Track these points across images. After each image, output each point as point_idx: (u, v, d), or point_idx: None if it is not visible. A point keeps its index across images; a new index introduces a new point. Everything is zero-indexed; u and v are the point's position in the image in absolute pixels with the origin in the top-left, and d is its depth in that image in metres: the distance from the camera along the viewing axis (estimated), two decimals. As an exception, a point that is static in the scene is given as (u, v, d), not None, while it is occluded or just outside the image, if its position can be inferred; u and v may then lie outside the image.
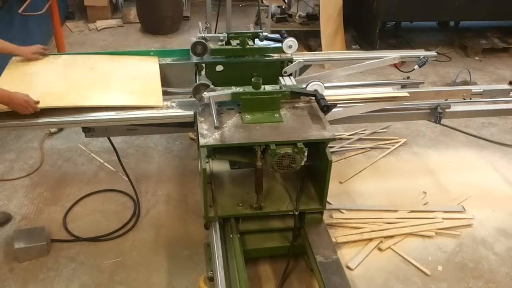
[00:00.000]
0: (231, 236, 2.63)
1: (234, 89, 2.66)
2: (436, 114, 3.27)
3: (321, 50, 5.58)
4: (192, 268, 2.88)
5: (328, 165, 2.49)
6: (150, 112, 2.73)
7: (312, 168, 2.77)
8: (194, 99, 2.75)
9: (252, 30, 3.22)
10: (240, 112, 2.64)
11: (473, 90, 3.28)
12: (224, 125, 2.53)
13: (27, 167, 3.76)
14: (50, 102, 2.66)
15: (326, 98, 2.70)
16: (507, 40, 6.18)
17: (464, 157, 4.03)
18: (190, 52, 3.06)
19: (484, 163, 3.96)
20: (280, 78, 3.03)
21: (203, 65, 3.05)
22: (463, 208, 3.41)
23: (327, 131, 2.51)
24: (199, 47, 3.02)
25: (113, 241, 3.08)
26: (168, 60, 3.21)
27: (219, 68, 3.06)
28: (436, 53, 3.60)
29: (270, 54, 3.13)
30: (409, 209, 3.37)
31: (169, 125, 2.91)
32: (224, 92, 2.63)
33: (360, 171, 3.77)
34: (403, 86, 3.47)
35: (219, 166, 2.96)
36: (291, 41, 3.06)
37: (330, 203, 3.35)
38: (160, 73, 3.05)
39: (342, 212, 3.34)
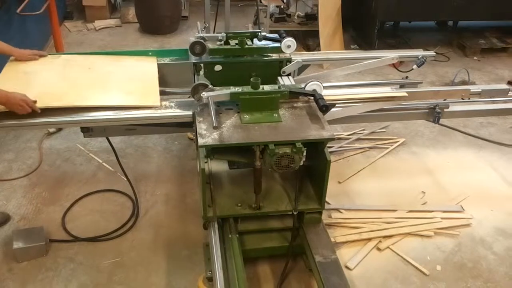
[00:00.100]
0: (230, 236, 2.63)
1: (233, 89, 2.66)
2: (434, 114, 3.27)
3: (319, 50, 5.58)
4: (191, 268, 2.88)
5: (327, 165, 2.49)
6: (149, 112, 2.73)
7: (311, 168, 2.77)
8: (193, 99, 2.74)
9: (250, 30, 3.22)
10: (238, 112, 2.64)
11: (471, 90, 3.28)
12: (223, 125, 2.53)
13: (26, 167, 3.75)
14: (48, 102, 2.65)
15: (325, 98, 2.69)
16: (505, 40, 6.19)
17: (462, 157, 4.04)
18: (189, 52, 3.06)
19: (482, 162, 3.97)
20: (279, 78, 3.03)
21: (202, 65, 3.05)
22: (462, 207, 3.41)
23: (326, 131, 2.51)
24: (197, 47, 3.02)
25: (112, 241, 3.08)
26: (166, 60, 3.21)
27: (218, 68, 3.06)
28: (434, 53, 3.59)
29: (269, 54, 3.13)
30: (408, 209, 3.37)
31: (168, 125, 2.91)
32: (223, 92, 2.63)
33: (359, 171, 3.78)
34: (402, 86, 3.46)
35: (218, 166, 2.96)
36: (289, 41, 3.06)
37: (329, 203, 3.35)
38: (159, 73, 3.05)
39: (341, 212, 3.34)
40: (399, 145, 4.13)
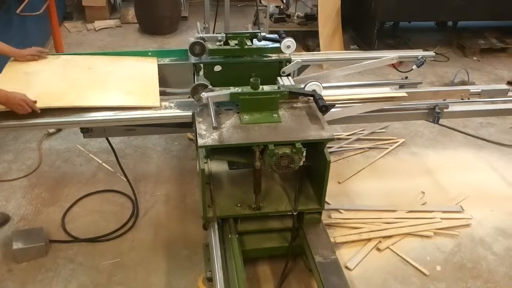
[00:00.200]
0: (229, 236, 2.63)
1: (233, 89, 2.66)
2: (434, 114, 3.27)
3: (319, 50, 5.58)
4: (190, 269, 2.88)
5: (327, 165, 2.49)
6: (149, 113, 2.73)
7: (310, 168, 2.77)
8: (193, 99, 2.75)
9: (250, 30, 3.22)
10: (238, 113, 2.64)
11: (471, 90, 3.28)
12: (223, 126, 2.53)
13: (25, 167, 3.75)
14: (48, 102, 2.65)
15: (325, 98, 2.69)
16: (505, 40, 6.19)
17: (462, 157, 4.04)
18: (188, 52, 3.06)
19: (482, 163, 3.97)
20: (279, 78, 3.03)
21: (201, 65, 3.05)
22: (462, 208, 3.41)
23: (326, 131, 2.51)
24: (197, 48, 3.02)
25: (112, 242, 3.08)
26: (166, 61, 3.21)
27: (218, 68, 3.06)
28: (434, 53, 3.59)
29: (269, 54, 3.13)
30: (408, 209, 3.37)
31: (168, 126, 2.91)
32: (223, 93, 2.63)
33: (358, 171, 3.78)
34: (401, 86, 3.47)
35: (218, 166, 2.96)
36: (289, 41, 3.06)
37: (328, 203, 3.35)
38: (158, 74, 3.05)
39: (341, 212, 3.34)
40: (398, 145, 4.13)
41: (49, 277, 2.82)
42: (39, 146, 4.01)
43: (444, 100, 3.37)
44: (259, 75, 2.77)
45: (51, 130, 4.12)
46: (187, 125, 2.82)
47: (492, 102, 3.49)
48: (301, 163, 2.49)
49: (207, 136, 2.43)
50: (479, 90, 3.28)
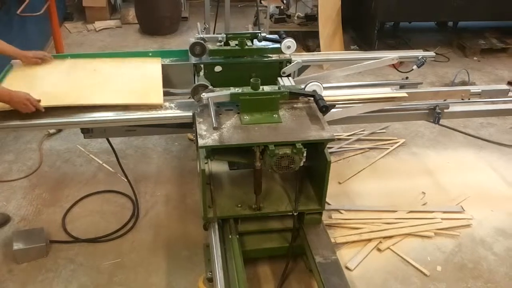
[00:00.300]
0: (230, 236, 2.63)
1: (233, 89, 2.66)
2: (434, 115, 3.27)
3: (319, 51, 5.58)
4: (191, 269, 2.88)
5: (327, 166, 2.49)
6: (149, 113, 2.73)
7: (311, 169, 2.77)
8: (193, 100, 2.75)
9: (250, 31, 3.22)
10: (238, 113, 2.64)
11: (471, 90, 3.28)
12: (223, 126, 2.53)
13: (26, 168, 3.75)
14: (52, 101, 2.66)
15: (325, 98, 2.70)
16: (505, 41, 6.19)
17: (462, 157, 4.04)
18: (189, 52, 3.06)
19: (483, 163, 3.96)
20: (279, 78, 3.03)
21: (202, 65, 3.05)
22: (462, 208, 3.41)
23: (326, 132, 2.51)
24: (197, 48, 3.02)
25: (112, 242, 3.08)
26: (166, 61, 3.21)
27: (218, 68, 3.06)
28: (434, 54, 3.60)
29: (269, 55, 3.13)
30: (408, 210, 3.37)
31: (168, 126, 2.91)
32: (223, 93, 2.63)
33: (359, 172, 3.78)
34: (402, 87, 3.47)
35: (218, 167, 2.96)
36: (289, 42, 3.06)
37: (329, 204, 3.35)
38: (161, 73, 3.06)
39: (341, 213, 3.34)
40: (399, 145, 4.13)
41: (50, 278, 2.82)
42: (39, 146, 4.01)
43: (445, 100, 3.37)
44: (259, 76, 2.78)
45: (52, 131, 4.12)
46: (188, 126, 2.82)
47: (493, 103, 3.50)
48: (302, 164, 2.49)
49: (207, 137, 2.43)
50: (480, 91, 3.28)
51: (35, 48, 4.53)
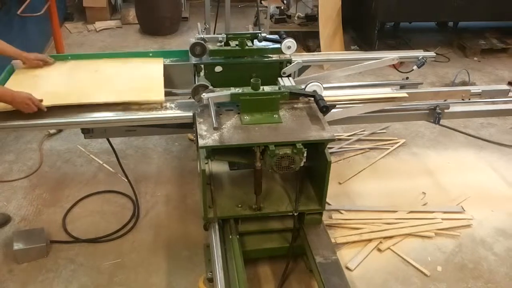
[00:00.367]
0: (230, 237, 2.63)
1: (233, 90, 2.66)
2: (435, 115, 3.27)
3: (320, 51, 5.58)
4: (191, 269, 2.88)
5: (327, 166, 2.49)
6: (149, 113, 2.73)
7: (311, 169, 2.77)
8: (193, 100, 2.75)
9: (251, 31, 3.22)
10: (239, 113, 2.64)
11: (472, 91, 3.28)
12: (223, 126, 2.53)
13: (26, 168, 3.76)
14: (53, 100, 2.67)
15: (325, 98, 2.70)
16: (505, 41, 6.19)
17: (463, 157, 4.04)
18: (189, 53, 3.06)
19: (483, 163, 3.96)
20: (279, 79, 3.03)
21: (202, 66, 3.05)
22: (462, 208, 3.41)
23: (326, 132, 2.51)
24: (198, 48, 3.02)
25: (113, 242, 3.08)
26: (167, 61, 3.21)
27: (218, 69, 3.06)
28: (434, 54, 3.60)
29: (269, 55, 3.13)
30: (409, 210, 3.37)
31: (168, 126, 2.91)
32: (223, 93, 2.63)
33: (359, 172, 3.78)
34: (402, 87, 3.47)
35: (218, 167, 2.96)
36: (290, 42, 3.06)
37: (329, 204, 3.35)
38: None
39: (342, 213, 3.34)
40: (399, 146, 4.13)
41: (50, 278, 2.82)
42: (40, 146, 4.01)
43: (445, 100, 3.37)
44: (259, 76, 2.78)
45: (52, 131, 4.13)
46: (188, 126, 2.82)
47: (493, 103, 3.50)
48: (302, 164, 2.49)
49: (207, 137, 2.43)
50: (480, 91, 3.28)
51: (36, 49, 4.55)
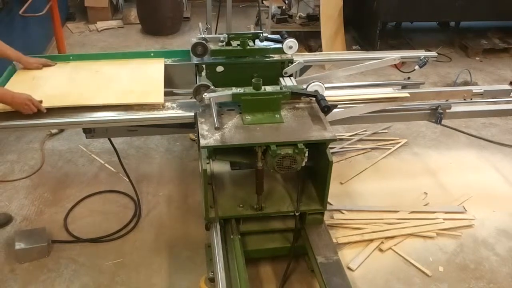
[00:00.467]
0: (231, 237, 2.63)
1: (235, 90, 2.66)
2: (436, 115, 3.27)
3: (321, 51, 5.58)
4: (192, 269, 2.88)
5: (329, 166, 2.49)
6: (151, 113, 2.73)
7: (312, 169, 2.77)
8: (195, 100, 2.75)
9: (252, 31, 3.22)
10: (240, 113, 2.64)
11: (473, 91, 3.28)
12: (225, 126, 2.53)
13: (28, 168, 3.76)
14: (53, 102, 2.67)
15: (327, 98, 2.69)
16: (507, 41, 6.18)
17: (464, 157, 4.03)
18: (191, 53, 3.06)
19: (485, 163, 3.96)
20: (281, 78, 3.03)
21: (204, 66, 3.05)
22: (464, 208, 3.41)
23: (328, 132, 2.51)
24: (199, 48, 3.02)
25: (114, 242, 3.08)
26: (168, 61, 3.21)
27: (220, 69, 3.06)
28: (436, 54, 3.60)
29: (271, 55, 3.13)
30: (410, 210, 3.37)
31: (170, 126, 2.91)
32: (225, 93, 2.63)
33: (360, 172, 3.77)
34: (404, 87, 3.46)
35: (220, 167, 2.96)
36: (291, 42, 3.06)
37: (331, 204, 3.35)
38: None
39: (343, 213, 3.34)
40: (401, 146, 4.12)
41: (52, 277, 2.82)
42: (41, 146, 4.02)
43: (447, 100, 3.37)
44: (261, 76, 2.77)
45: (54, 131, 4.13)
46: (189, 126, 2.82)
47: (495, 103, 3.49)
48: (303, 164, 2.49)
49: (209, 137, 2.43)
50: (482, 91, 3.28)
51: (37, 49, 4.56)
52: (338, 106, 3.01)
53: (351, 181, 3.68)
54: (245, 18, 7.25)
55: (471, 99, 3.37)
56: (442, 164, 3.92)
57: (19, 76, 3.00)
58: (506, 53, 6.13)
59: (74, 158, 3.89)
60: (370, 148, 4.08)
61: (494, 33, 6.37)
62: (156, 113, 2.74)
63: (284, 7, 6.30)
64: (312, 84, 2.78)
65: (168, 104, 2.81)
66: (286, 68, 3.11)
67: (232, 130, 2.50)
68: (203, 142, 2.40)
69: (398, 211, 3.35)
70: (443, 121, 3.32)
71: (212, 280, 2.52)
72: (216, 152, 2.47)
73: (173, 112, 2.76)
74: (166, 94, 2.90)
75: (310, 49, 6.02)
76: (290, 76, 3.11)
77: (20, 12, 4.56)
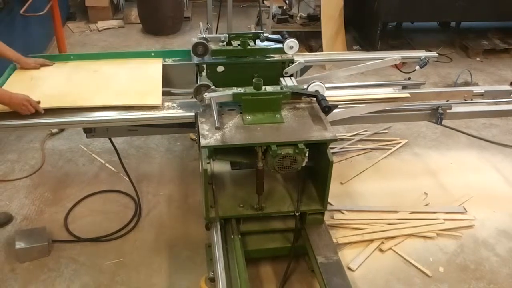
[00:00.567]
0: (232, 236, 2.63)
1: (235, 89, 2.66)
2: (437, 115, 3.27)
3: (322, 51, 5.58)
4: (193, 269, 2.88)
5: (329, 166, 2.49)
6: (151, 113, 2.73)
7: (313, 169, 2.76)
8: (195, 99, 2.75)
9: (253, 31, 3.22)
10: (241, 113, 2.64)
11: (474, 91, 3.27)
12: (225, 126, 2.53)
13: (28, 167, 3.76)
14: (51, 102, 2.67)
15: (327, 98, 2.69)
16: (508, 41, 6.18)
17: (465, 158, 4.03)
18: (191, 52, 3.06)
19: (485, 164, 3.96)
20: (281, 78, 3.03)
21: (204, 65, 3.05)
22: (464, 209, 3.41)
23: (328, 132, 2.51)
24: (200, 48, 3.02)
25: (114, 242, 3.08)
26: (169, 61, 3.21)
27: (220, 68, 3.06)
28: (437, 54, 3.59)
29: (271, 55, 3.13)
30: (410, 210, 3.37)
31: (170, 126, 2.91)
32: (225, 93, 2.63)
33: (361, 172, 3.77)
34: (404, 87, 3.46)
35: (220, 166, 2.96)
36: (292, 42, 3.06)
37: (331, 204, 3.35)
38: (162, 74, 3.06)
39: (343, 213, 3.34)
40: (401, 146, 4.12)
41: (52, 277, 2.82)
42: (42, 146, 4.02)
43: (447, 101, 3.36)
44: (261, 76, 2.78)
45: (54, 130, 4.13)
46: (190, 126, 2.82)
47: (495, 103, 3.49)
48: (304, 164, 2.48)
49: (209, 137, 2.43)
50: (482, 91, 3.28)
51: (38, 48, 4.56)
52: (339, 106, 3.01)
53: (351, 181, 3.68)
54: (245, 18, 7.25)
55: (471, 100, 3.37)
56: (442, 165, 3.92)
57: (17, 76, 3.00)
58: (506, 54, 6.13)
59: (75, 158, 3.89)
60: (371, 148, 4.08)
61: (494, 33, 6.37)
62: (156, 112, 2.74)
63: (284, 7, 6.30)
64: (313, 84, 2.78)
65: (169, 103, 2.81)
66: (287, 68, 3.11)
67: (233, 130, 2.50)
68: (203, 142, 2.40)
69: (398, 212, 3.35)
70: (444, 122, 3.31)
71: (212, 280, 2.52)
72: (216, 152, 2.47)
73: (174, 112, 2.76)
74: (166, 94, 2.90)
75: (311, 49, 6.02)
76: (291, 76, 3.11)
77: (21, 11, 4.57)
